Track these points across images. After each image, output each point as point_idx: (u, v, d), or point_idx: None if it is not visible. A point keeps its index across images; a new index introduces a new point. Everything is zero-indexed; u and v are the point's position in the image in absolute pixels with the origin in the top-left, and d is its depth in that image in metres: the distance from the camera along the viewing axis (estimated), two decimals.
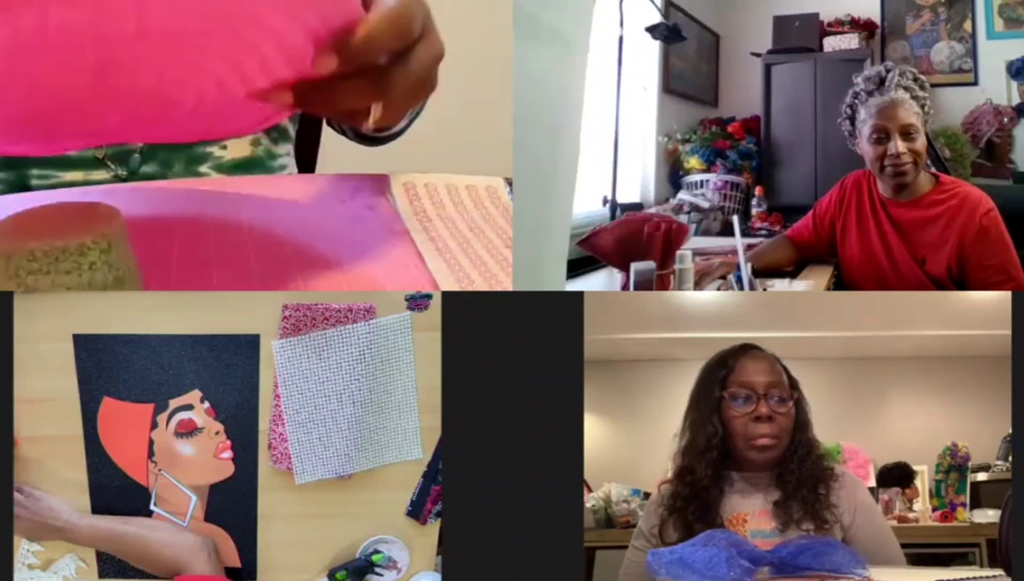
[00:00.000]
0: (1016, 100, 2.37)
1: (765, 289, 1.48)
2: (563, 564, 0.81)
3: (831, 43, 2.52)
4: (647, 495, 1.75)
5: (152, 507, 0.84)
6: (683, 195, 2.43)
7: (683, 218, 2.30)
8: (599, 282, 1.58)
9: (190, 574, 0.81)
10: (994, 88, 2.40)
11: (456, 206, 1.01)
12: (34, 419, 0.82)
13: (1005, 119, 2.37)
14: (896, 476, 1.84)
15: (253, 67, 0.76)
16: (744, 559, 0.88)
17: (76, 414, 0.83)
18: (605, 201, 2.09)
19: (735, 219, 1.49)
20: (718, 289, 1.49)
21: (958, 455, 1.81)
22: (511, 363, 0.81)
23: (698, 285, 1.45)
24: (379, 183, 1.06)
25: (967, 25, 2.43)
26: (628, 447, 1.90)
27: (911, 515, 1.79)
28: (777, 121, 2.60)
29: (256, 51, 0.75)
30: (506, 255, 0.91)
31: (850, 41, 2.50)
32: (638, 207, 2.38)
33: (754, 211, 2.43)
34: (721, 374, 1.09)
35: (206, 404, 0.84)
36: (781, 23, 2.57)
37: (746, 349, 1.10)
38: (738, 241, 1.34)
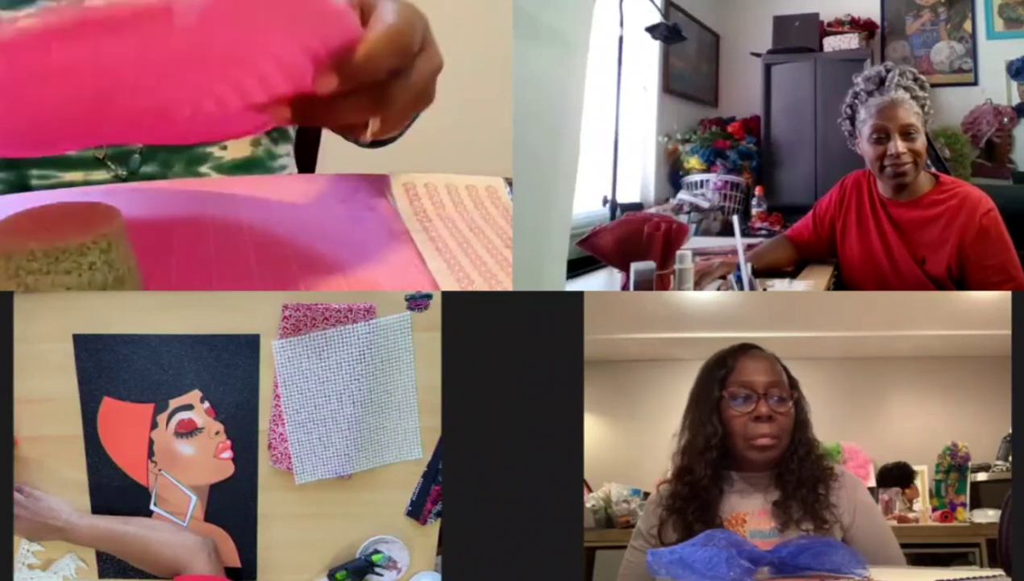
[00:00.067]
0: (1016, 100, 2.37)
1: (765, 289, 1.48)
2: (563, 564, 0.81)
3: (831, 43, 2.52)
4: (647, 495, 1.75)
5: (152, 507, 0.84)
6: (683, 195, 2.43)
7: (683, 218, 2.30)
8: (599, 282, 1.58)
9: (190, 574, 0.81)
10: (994, 88, 2.40)
11: (456, 206, 1.01)
12: (34, 419, 0.82)
13: (1005, 119, 2.37)
14: (896, 476, 1.84)
15: (252, 85, 0.77)
16: (744, 559, 0.88)
17: (76, 414, 0.83)
18: (605, 201, 2.09)
19: (735, 219, 1.49)
20: (718, 289, 1.49)
21: (958, 455, 1.81)
22: (511, 363, 0.81)
23: (698, 285, 1.45)
24: (379, 183, 1.06)
25: (967, 25, 2.43)
26: (628, 447, 1.90)
27: (911, 515, 1.79)
28: (777, 121, 2.60)
29: (255, 71, 0.75)
30: (506, 255, 0.91)
31: (850, 41, 2.50)
32: (638, 207, 2.38)
33: (754, 211, 2.43)
34: (721, 374, 1.09)
35: (206, 404, 0.84)
36: (781, 23, 2.57)
37: (746, 349, 1.10)
38: (738, 241, 1.34)
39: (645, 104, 2.48)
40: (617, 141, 2.11)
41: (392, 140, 1.16)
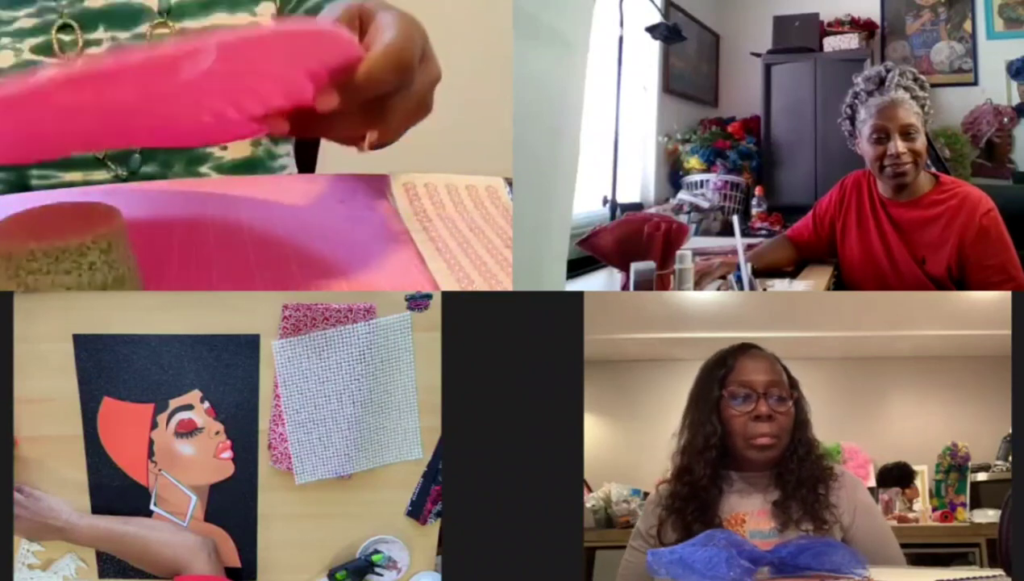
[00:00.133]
0: (1016, 100, 2.37)
1: (765, 289, 1.48)
2: (563, 564, 0.81)
3: (831, 43, 2.52)
4: (647, 495, 1.75)
5: (152, 507, 0.84)
6: (683, 195, 2.43)
7: (683, 218, 2.30)
8: (599, 282, 1.58)
9: (190, 574, 0.81)
10: (994, 88, 2.40)
11: (456, 206, 1.01)
12: (34, 419, 0.82)
13: (1005, 119, 2.37)
14: (896, 476, 1.84)
15: (250, 101, 0.77)
16: (744, 559, 0.88)
17: (76, 414, 0.83)
18: (605, 201, 2.09)
19: (735, 219, 1.49)
20: (718, 289, 1.49)
21: (958, 455, 1.81)
22: (511, 363, 0.81)
23: (698, 285, 1.45)
24: (379, 183, 1.05)
25: (967, 25, 2.43)
26: (628, 447, 1.90)
27: (911, 515, 1.79)
28: (777, 121, 2.60)
29: (254, 90, 0.76)
30: (506, 255, 0.91)
31: (850, 41, 2.50)
32: (638, 207, 2.38)
33: (754, 211, 2.43)
34: (720, 373, 1.09)
35: (206, 404, 0.84)
36: (781, 23, 2.57)
37: (746, 348, 1.10)
38: (738, 241, 1.34)
39: (645, 104, 2.47)
40: (617, 141, 2.11)
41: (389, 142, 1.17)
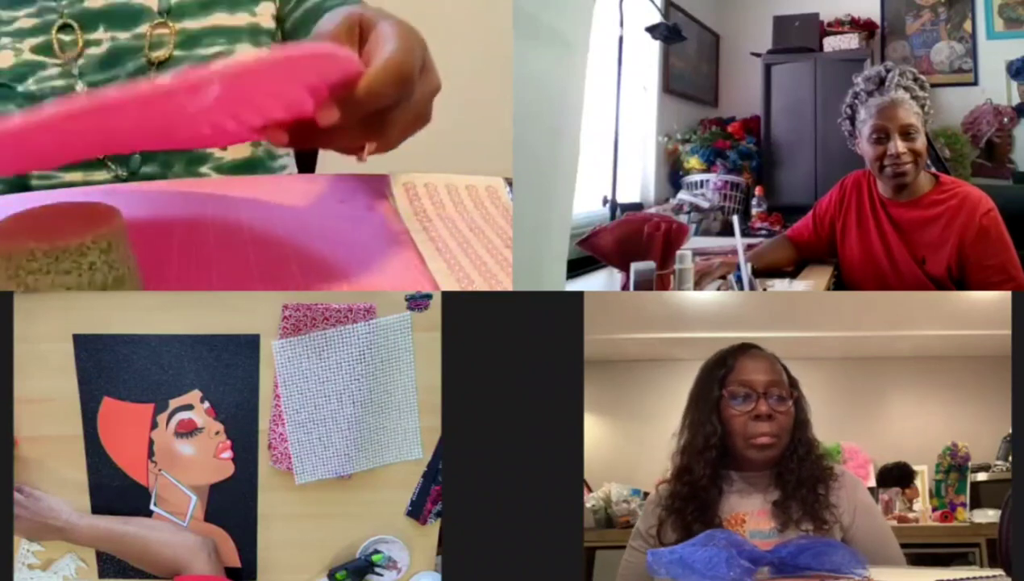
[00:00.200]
0: (1016, 100, 2.37)
1: (765, 289, 1.48)
2: (563, 564, 0.81)
3: (831, 43, 2.52)
4: (647, 495, 1.75)
5: (152, 507, 0.84)
6: (683, 195, 2.43)
7: (683, 218, 2.30)
8: (599, 282, 1.58)
9: (190, 574, 0.81)
10: (994, 88, 2.40)
11: (456, 206, 1.01)
12: (34, 419, 0.82)
13: (1005, 119, 2.37)
14: (896, 476, 1.84)
15: (250, 115, 0.77)
16: (744, 559, 0.88)
17: (76, 414, 0.83)
18: (605, 201, 2.09)
19: (735, 219, 1.49)
20: (718, 289, 1.49)
21: (958, 455, 1.81)
22: (511, 363, 0.81)
23: (698, 285, 1.45)
24: (379, 183, 1.06)
25: (967, 25, 2.43)
26: (628, 447, 1.90)
27: (911, 515, 1.79)
28: (777, 121, 2.60)
29: (254, 106, 0.76)
30: (506, 255, 0.91)
31: (850, 41, 2.50)
32: (638, 207, 2.38)
33: (754, 211, 2.43)
34: (720, 373, 1.09)
35: (206, 404, 0.84)
36: (781, 23, 2.57)
37: (746, 348, 1.10)
38: (738, 241, 1.34)
39: (645, 104, 2.47)
40: (617, 141, 2.11)
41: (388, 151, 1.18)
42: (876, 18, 2.52)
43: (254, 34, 1.18)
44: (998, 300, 1.41)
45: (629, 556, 1.10)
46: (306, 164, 1.47)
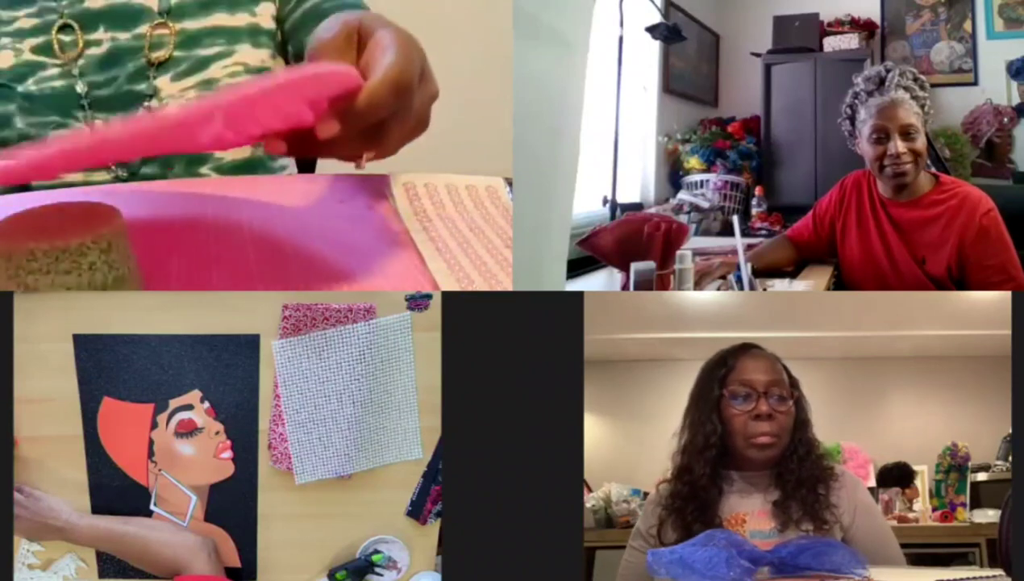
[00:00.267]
0: (1016, 100, 2.37)
1: (765, 289, 1.48)
2: (563, 564, 0.81)
3: (831, 43, 2.52)
4: (647, 495, 1.75)
5: (152, 507, 0.84)
6: (683, 195, 2.43)
7: (683, 218, 2.30)
8: (599, 282, 1.58)
9: (190, 574, 0.81)
10: (994, 88, 2.40)
11: (456, 206, 1.01)
12: (34, 419, 0.82)
13: (1005, 119, 2.37)
14: (896, 476, 1.84)
15: (249, 125, 0.77)
16: (744, 559, 0.88)
17: (76, 414, 0.83)
18: (605, 201, 2.09)
19: (735, 219, 1.49)
20: (718, 289, 1.49)
21: (958, 455, 1.81)
22: (511, 363, 0.81)
23: (698, 285, 1.45)
24: (379, 183, 1.05)
25: (967, 25, 2.43)
26: (628, 447, 1.90)
27: (911, 515, 1.79)
28: (777, 121, 2.60)
29: (253, 118, 0.76)
30: (506, 255, 0.91)
31: (850, 41, 2.50)
32: (638, 207, 2.38)
33: (754, 211, 2.43)
34: (721, 373, 1.09)
35: (206, 404, 0.84)
36: (781, 23, 2.57)
37: (746, 348, 1.10)
38: (738, 241, 1.34)
39: (645, 104, 2.48)
40: (617, 141, 2.11)
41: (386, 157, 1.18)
42: (876, 18, 2.52)
43: (254, 35, 1.18)
44: (998, 300, 1.41)
45: (629, 556, 1.10)
46: (306, 164, 1.47)
